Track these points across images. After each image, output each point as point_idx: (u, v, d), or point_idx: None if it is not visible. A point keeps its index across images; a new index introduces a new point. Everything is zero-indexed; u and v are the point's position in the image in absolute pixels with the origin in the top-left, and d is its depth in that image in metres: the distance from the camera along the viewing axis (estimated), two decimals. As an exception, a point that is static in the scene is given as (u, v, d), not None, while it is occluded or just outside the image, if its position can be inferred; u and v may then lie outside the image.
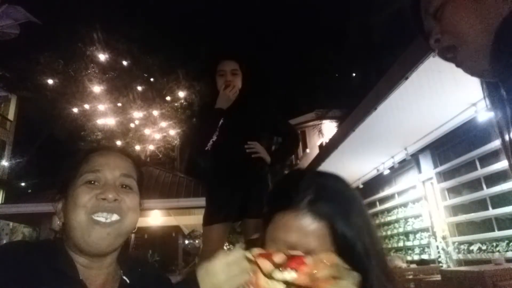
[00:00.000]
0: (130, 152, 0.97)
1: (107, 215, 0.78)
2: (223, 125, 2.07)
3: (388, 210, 8.17)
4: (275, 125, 2.31)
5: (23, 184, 21.18)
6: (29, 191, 20.00)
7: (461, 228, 5.95)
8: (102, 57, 13.28)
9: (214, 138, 2.04)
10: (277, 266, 0.57)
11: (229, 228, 2.11)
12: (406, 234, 7.45)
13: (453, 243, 6.03)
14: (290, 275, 0.56)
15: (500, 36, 0.54)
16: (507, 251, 4.92)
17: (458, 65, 0.67)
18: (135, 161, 0.92)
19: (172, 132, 14.63)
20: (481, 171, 5.35)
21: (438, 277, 4.57)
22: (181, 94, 14.24)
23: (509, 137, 0.58)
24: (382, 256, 0.67)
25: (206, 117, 2.18)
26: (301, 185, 0.61)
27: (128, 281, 0.83)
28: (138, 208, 0.85)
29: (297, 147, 2.45)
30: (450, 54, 0.66)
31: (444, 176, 6.29)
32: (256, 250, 0.61)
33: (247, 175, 2.06)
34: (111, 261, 0.82)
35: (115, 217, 0.78)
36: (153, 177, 11.03)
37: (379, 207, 8.57)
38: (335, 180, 0.65)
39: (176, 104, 14.46)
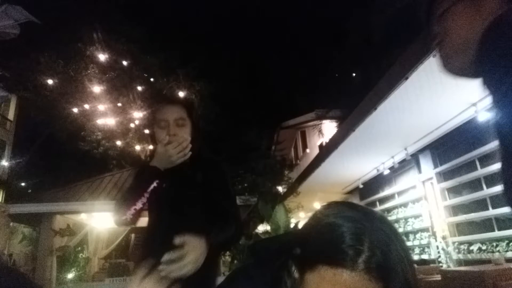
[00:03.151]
0: None
1: None
2: (154, 191, 1.49)
3: (388, 210, 8.17)
4: (218, 202, 1.55)
5: (23, 184, 21.18)
6: (29, 191, 20.01)
7: (461, 228, 5.94)
8: (102, 57, 13.28)
9: (138, 206, 1.46)
10: None
11: None
12: (406, 234, 7.45)
13: (453, 243, 6.03)
14: None
15: (487, 38, 0.59)
16: (507, 251, 4.91)
17: (442, 61, 0.74)
18: None
19: (172, 132, 14.60)
20: (481, 171, 5.35)
21: (438, 277, 4.57)
22: (181, 94, 14.24)
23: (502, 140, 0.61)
24: None
25: (136, 175, 1.57)
26: (354, 239, 0.55)
27: None
28: None
29: (234, 239, 1.56)
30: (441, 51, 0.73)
31: (444, 176, 6.28)
32: None
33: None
34: None
35: None
36: (153, 177, 11.00)
37: (379, 207, 8.57)
38: (385, 229, 0.58)
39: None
